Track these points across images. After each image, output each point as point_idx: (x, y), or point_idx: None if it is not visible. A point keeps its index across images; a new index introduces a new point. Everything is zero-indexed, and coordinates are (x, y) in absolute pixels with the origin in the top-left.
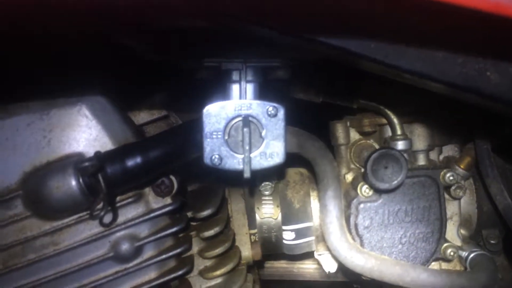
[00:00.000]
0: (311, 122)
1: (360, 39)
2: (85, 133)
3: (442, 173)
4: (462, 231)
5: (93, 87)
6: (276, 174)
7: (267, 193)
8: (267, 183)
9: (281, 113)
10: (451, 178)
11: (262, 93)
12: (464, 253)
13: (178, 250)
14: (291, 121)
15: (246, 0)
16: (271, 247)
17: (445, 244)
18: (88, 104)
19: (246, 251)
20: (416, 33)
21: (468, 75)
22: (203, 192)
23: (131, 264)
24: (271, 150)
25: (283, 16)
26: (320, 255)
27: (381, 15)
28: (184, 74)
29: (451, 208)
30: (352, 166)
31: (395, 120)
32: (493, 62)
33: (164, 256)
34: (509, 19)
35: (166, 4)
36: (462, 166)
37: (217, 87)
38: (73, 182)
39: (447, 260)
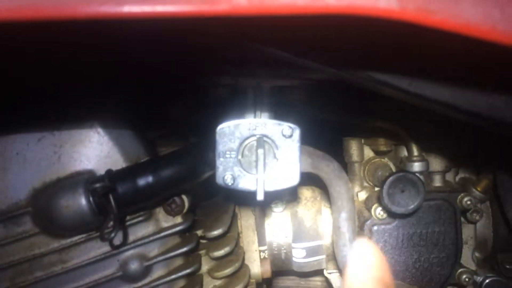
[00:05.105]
0: (324, 138)
1: (385, 68)
2: (96, 149)
3: (459, 197)
4: (477, 254)
5: (106, 102)
6: (287, 190)
7: (278, 210)
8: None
9: (297, 133)
10: (468, 202)
11: (277, 112)
12: (479, 278)
13: (188, 271)
14: (303, 137)
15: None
16: (280, 265)
17: (460, 270)
18: (100, 120)
19: (255, 269)
20: (443, 63)
21: (495, 106)
22: (213, 209)
23: (139, 284)
24: (285, 172)
25: (317, 49)
26: (330, 273)
27: (408, 48)
28: (196, 90)
29: (466, 231)
30: (366, 184)
31: (412, 141)
32: None
33: (173, 277)
34: None
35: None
36: (479, 189)
37: (230, 104)
38: (84, 202)
39: (461, 286)
